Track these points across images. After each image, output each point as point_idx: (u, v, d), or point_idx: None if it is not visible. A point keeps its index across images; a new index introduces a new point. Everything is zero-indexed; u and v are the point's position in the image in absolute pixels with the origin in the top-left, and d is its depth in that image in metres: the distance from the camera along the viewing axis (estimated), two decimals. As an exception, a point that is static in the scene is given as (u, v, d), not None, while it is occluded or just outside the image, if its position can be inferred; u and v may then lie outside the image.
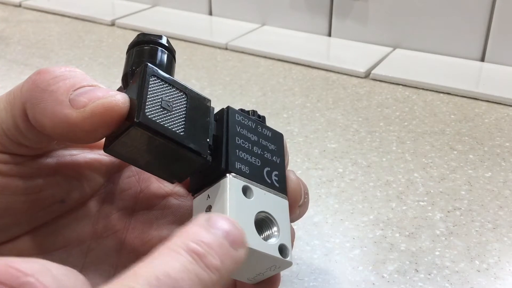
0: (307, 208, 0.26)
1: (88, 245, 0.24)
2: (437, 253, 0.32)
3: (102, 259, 0.24)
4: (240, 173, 0.22)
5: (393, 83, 0.55)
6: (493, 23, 0.56)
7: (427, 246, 0.32)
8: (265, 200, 0.22)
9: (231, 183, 0.21)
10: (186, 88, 0.22)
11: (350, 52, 0.62)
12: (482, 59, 0.58)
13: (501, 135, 0.45)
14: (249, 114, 0.25)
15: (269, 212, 0.22)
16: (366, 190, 0.38)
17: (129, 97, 0.21)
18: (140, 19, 0.73)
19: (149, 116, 0.20)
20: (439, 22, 0.59)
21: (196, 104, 0.22)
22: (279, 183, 0.23)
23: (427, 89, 0.53)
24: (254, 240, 0.20)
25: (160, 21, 0.73)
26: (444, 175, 0.40)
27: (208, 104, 0.23)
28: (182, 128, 0.21)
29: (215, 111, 0.24)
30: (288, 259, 0.21)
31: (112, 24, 0.73)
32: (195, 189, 0.23)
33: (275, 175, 0.23)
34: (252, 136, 0.24)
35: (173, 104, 0.21)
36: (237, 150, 0.22)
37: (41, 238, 0.23)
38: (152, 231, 0.25)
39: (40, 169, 0.22)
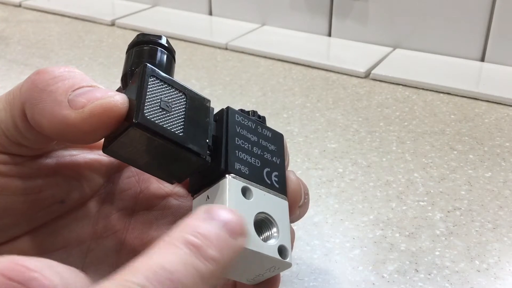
0: (307, 209, 0.25)
1: (88, 245, 0.24)
2: (437, 253, 0.32)
3: (102, 259, 0.24)
4: (239, 173, 0.22)
5: (393, 83, 0.55)
6: (493, 23, 0.56)
7: (427, 246, 0.32)
8: (265, 201, 0.22)
9: (231, 184, 0.21)
10: (185, 88, 0.22)
11: (350, 52, 0.62)
12: (482, 59, 0.58)
13: (501, 135, 0.45)
14: (249, 115, 0.25)
15: (269, 213, 0.22)
16: (366, 190, 0.38)
17: (128, 97, 0.21)
18: (140, 19, 0.73)
19: (148, 117, 0.20)
20: (439, 22, 0.59)
21: (196, 104, 0.22)
22: (279, 184, 0.23)
23: (427, 89, 0.53)
24: (254, 241, 0.20)
25: (160, 21, 0.73)
26: (444, 175, 0.40)
27: (207, 104, 0.23)
28: (181, 128, 0.21)
29: (215, 111, 0.24)
30: (287, 260, 0.21)
31: (112, 24, 0.73)
32: (194, 190, 0.23)
33: (275, 176, 0.23)
34: (252, 137, 0.24)
35: (172, 104, 0.21)
36: (237, 151, 0.22)
37: (41, 238, 0.23)
38: (152, 232, 0.25)
39: (39, 170, 0.22)
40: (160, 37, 0.24)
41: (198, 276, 0.16)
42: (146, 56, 0.23)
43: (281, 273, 0.24)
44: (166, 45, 0.24)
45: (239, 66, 0.60)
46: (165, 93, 0.21)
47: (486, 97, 0.51)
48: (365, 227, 0.34)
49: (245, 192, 0.22)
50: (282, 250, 0.21)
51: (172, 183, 0.23)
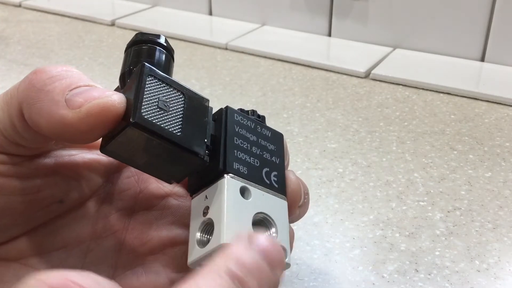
0: (307, 209, 0.25)
1: (87, 245, 0.24)
2: (437, 253, 0.32)
3: (101, 259, 0.24)
4: (238, 173, 0.22)
5: (393, 83, 0.55)
6: (493, 23, 0.56)
7: (427, 246, 0.32)
8: (264, 201, 0.22)
9: (229, 184, 0.21)
10: (183, 87, 0.22)
11: (350, 52, 0.62)
12: (482, 59, 0.58)
13: (501, 135, 0.45)
14: (248, 114, 0.25)
15: (268, 213, 0.22)
16: (366, 190, 0.38)
17: (126, 97, 0.21)
18: (140, 19, 0.73)
19: (145, 116, 0.20)
20: (439, 22, 0.59)
21: (194, 104, 0.22)
22: (278, 184, 0.23)
23: (427, 89, 0.53)
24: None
25: (160, 21, 0.73)
26: (444, 175, 0.39)
27: (206, 104, 0.23)
28: (179, 128, 0.21)
29: (214, 111, 0.24)
30: (286, 260, 0.21)
31: (112, 24, 0.73)
32: (193, 190, 0.23)
33: (274, 176, 0.23)
34: (251, 136, 0.24)
35: (170, 104, 0.21)
36: (235, 151, 0.22)
37: (40, 238, 0.23)
38: (152, 232, 0.25)
39: (38, 169, 0.22)
40: (158, 36, 0.24)
41: None
42: (145, 55, 0.23)
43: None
44: (165, 44, 0.24)
45: (239, 66, 0.60)
46: (163, 93, 0.21)
47: (486, 97, 0.51)
48: (365, 227, 0.34)
49: (243, 192, 0.22)
50: None
51: (170, 183, 0.23)
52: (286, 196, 0.23)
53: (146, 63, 0.21)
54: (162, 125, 0.20)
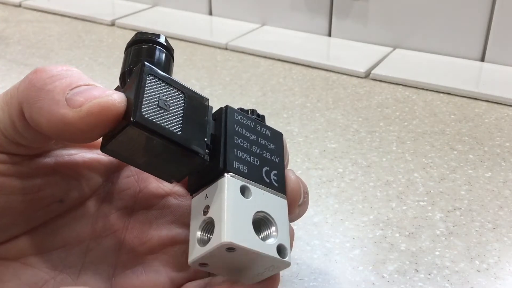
0: (307, 208, 0.25)
1: (87, 244, 0.24)
2: (437, 253, 0.32)
3: (101, 258, 0.24)
4: (238, 172, 0.22)
5: (393, 83, 0.55)
6: (493, 23, 0.56)
7: (427, 246, 0.32)
8: (264, 199, 0.22)
9: (229, 182, 0.21)
10: (184, 87, 0.22)
11: (350, 52, 0.62)
12: (482, 59, 0.58)
13: (501, 135, 0.45)
14: (248, 113, 0.25)
15: (268, 212, 0.22)
16: (366, 190, 0.38)
17: (126, 96, 0.21)
18: (140, 19, 0.73)
19: (146, 115, 0.20)
20: (439, 22, 0.59)
21: (194, 103, 0.22)
22: (278, 183, 0.23)
23: (427, 89, 0.53)
24: (252, 240, 0.20)
25: (160, 21, 0.73)
26: (444, 175, 0.39)
27: (206, 103, 0.23)
28: (179, 127, 0.21)
29: (215, 110, 0.24)
30: (286, 259, 0.21)
31: (112, 24, 0.73)
32: (193, 189, 0.23)
33: (274, 175, 0.23)
34: (251, 135, 0.24)
35: (170, 103, 0.21)
36: (235, 150, 0.22)
37: (40, 237, 0.23)
38: (151, 231, 0.25)
39: (38, 169, 0.22)
40: (158, 35, 0.24)
41: None
42: (145, 54, 0.23)
43: (281, 273, 0.24)
44: (165, 43, 0.24)
45: (239, 66, 0.60)
46: (163, 92, 0.21)
47: (486, 97, 0.51)
48: (365, 227, 0.34)
49: (243, 191, 0.22)
50: (281, 249, 0.21)
51: (171, 182, 0.23)
52: (286, 195, 0.23)
53: (146, 63, 0.21)
54: (162, 124, 0.20)
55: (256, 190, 0.22)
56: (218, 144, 0.22)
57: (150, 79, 0.21)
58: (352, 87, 0.54)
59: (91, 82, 0.21)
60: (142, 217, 0.25)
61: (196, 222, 0.22)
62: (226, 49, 0.64)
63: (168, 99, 0.21)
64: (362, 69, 0.57)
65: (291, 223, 0.24)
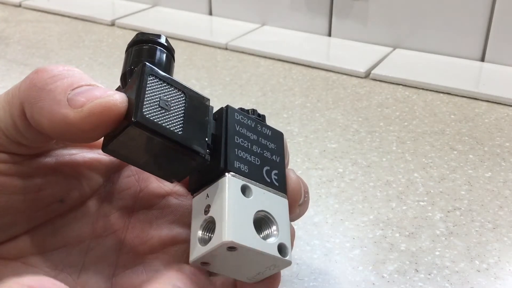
0: (307, 207, 0.25)
1: (87, 244, 0.24)
2: (437, 253, 0.32)
3: (101, 258, 0.24)
4: (239, 172, 0.22)
5: (393, 83, 0.55)
6: (493, 23, 0.56)
7: (427, 246, 0.32)
8: (265, 199, 0.22)
9: (230, 182, 0.21)
10: (184, 87, 0.22)
11: (350, 52, 0.62)
12: (482, 59, 0.58)
13: (501, 135, 0.45)
14: (248, 113, 0.25)
15: (269, 211, 0.22)
16: (366, 190, 0.38)
17: (127, 96, 0.21)
18: (140, 19, 0.73)
19: (147, 116, 0.20)
20: (439, 22, 0.59)
21: (195, 103, 0.22)
22: (278, 182, 0.23)
23: (427, 89, 0.53)
24: (253, 239, 0.20)
25: (160, 21, 0.73)
26: (444, 175, 0.39)
27: (207, 103, 0.23)
28: (180, 127, 0.21)
29: (215, 110, 0.24)
30: (287, 258, 0.21)
31: (112, 24, 0.73)
32: (194, 189, 0.23)
33: (275, 174, 0.23)
34: (251, 135, 0.24)
35: (171, 103, 0.21)
36: (236, 149, 0.22)
37: (41, 237, 0.23)
38: (152, 231, 0.25)
39: (39, 169, 0.22)
40: (159, 36, 0.24)
41: None
42: (145, 55, 0.23)
43: (281, 273, 0.24)
44: (166, 44, 0.24)
45: (239, 66, 0.60)
46: (164, 92, 0.21)
47: (486, 97, 0.51)
48: (365, 227, 0.34)
49: (244, 190, 0.22)
50: (282, 248, 0.21)
51: (171, 182, 0.23)
52: (287, 195, 0.23)
53: (147, 63, 0.21)
54: (163, 124, 0.20)
55: (257, 190, 0.22)
56: (219, 144, 0.22)
57: (151, 80, 0.21)
58: (352, 87, 0.54)
59: (92, 82, 0.21)
60: (142, 216, 0.25)
61: (197, 222, 0.22)
62: (226, 49, 0.64)
63: (169, 99, 0.21)
64: (362, 69, 0.57)
65: (292, 223, 0.24)
